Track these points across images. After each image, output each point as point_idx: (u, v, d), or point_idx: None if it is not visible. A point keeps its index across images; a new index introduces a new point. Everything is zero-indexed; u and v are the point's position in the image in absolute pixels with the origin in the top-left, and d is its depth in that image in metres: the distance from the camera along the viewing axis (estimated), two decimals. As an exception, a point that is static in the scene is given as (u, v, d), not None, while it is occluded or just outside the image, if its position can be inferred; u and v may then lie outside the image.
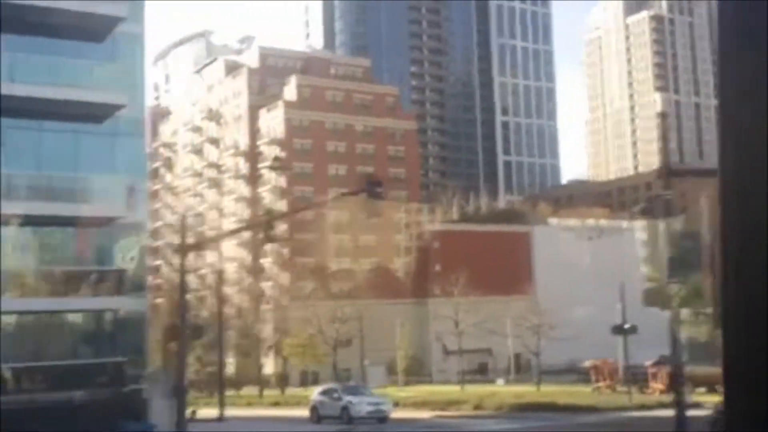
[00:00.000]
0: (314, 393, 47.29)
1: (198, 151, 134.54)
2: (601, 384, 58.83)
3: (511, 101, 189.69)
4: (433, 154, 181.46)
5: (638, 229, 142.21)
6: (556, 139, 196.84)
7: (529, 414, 38.40)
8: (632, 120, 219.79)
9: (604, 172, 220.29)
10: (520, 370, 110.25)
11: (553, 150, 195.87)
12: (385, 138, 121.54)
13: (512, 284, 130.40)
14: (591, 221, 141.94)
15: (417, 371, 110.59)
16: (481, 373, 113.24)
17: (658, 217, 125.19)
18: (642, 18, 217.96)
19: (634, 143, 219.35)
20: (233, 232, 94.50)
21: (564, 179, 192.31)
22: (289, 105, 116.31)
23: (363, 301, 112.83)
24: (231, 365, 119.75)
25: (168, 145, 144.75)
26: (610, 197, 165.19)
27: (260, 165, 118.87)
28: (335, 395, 43.88)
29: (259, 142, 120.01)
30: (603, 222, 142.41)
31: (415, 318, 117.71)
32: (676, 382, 58.35)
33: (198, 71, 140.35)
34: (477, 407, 41.14)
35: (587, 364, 60.70)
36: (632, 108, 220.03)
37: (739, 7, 1.51)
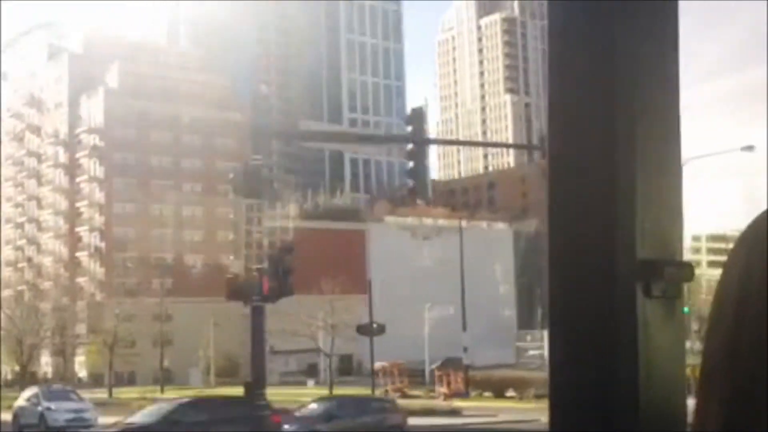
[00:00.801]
0: (20, 398, 42.49)
1: (20, 139, 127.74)
2: (389, 387, 56.50)
3: (359, 98, 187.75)
4: (277, 150, 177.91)
5: (477, 228, 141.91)
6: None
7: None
8: (483, 121, 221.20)
9: (455, 173, 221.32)
10: (352, 371, 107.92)
11: (402, 149, 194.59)
12: (213, 130, 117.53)
13: (343, 282, 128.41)
14: (429, 220, 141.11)
15: (235, 372, 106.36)
16: (310, 373, 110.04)
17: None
18: (494, 20, 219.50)
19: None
20: None
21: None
22: (109, 93, 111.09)
23: (183, 298, 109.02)
24: (47, 365, 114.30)
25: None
26: (454, 197, 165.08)
27: (78, 154, 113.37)
28: (35, 401, 39.56)
29: (78, 131, 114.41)
30: (441, 221, 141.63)
31: (241, 317, 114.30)
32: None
33: (23, 57, 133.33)
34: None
35: (376, 366, 58.32)
36: (483, 109, 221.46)
37: (569, 7, 1.57)
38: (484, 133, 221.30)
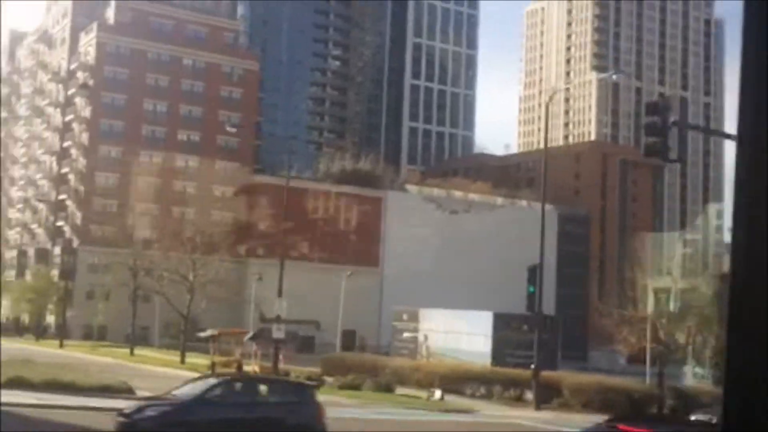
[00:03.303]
0: None
1: (34, 77, 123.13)
2: (216, 359, 46.86)
3: (424, 64, 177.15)
4: (329, 112, 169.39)
5: (514, 207, 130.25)
6: (472, 109, 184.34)
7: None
8: (567, 100, 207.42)
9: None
10: (353, 347, 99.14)
11: (468, 121, 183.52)
12: (219, 77, 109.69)
13: (353, 251, 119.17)
14: (459, 194, 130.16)
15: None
16: (306, 348, 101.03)
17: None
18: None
19: (566, 124, 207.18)
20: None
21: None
22: (103, 29, 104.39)
23: (169, 253, 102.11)
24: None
25: (19, 71, 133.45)
26: (507, 172, 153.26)
27: (70, 92, 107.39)
28: None
29: (72, 67, 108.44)
30: (474, 197, 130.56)
31: (232, 279, 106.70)
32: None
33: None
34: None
35: (207, 333, 48.71)
36: (567, 88, 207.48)
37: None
38: (567, 112, 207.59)
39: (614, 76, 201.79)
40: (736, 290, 1.49)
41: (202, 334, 49.18)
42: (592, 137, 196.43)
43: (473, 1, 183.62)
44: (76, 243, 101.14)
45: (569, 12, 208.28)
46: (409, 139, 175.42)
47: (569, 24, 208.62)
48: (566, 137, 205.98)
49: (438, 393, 38.43)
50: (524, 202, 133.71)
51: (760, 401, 1.44)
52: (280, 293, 47.72)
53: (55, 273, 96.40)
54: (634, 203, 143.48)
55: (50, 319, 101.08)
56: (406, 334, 55.06)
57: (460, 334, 49.86)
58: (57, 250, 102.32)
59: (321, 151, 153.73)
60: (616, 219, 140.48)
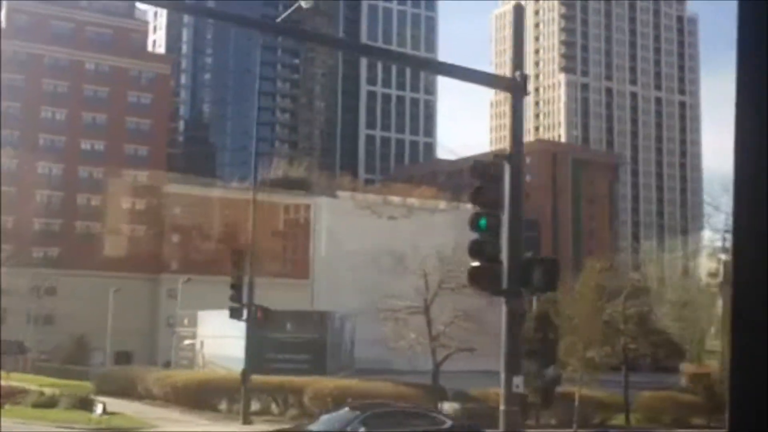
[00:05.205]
0: None
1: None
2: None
3: (381, 69, 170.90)
4: (281, 121, 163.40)
5: (458, 210, 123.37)
6: (433, 115, 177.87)
7: None
8: (536, 103, 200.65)
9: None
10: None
11: (430, 127, 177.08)
12: (126, 81, 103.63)
13: (280, 262, 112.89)
14: (396, 199, 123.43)
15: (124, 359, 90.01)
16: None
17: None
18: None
19: (537, 128, 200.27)
20: None
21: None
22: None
23: (74, 271, 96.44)
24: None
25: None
26: (461, 176, 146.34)
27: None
28: None
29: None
30: (414, 201, 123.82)
31: (144, 296, 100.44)
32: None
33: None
34: None
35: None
36: (537, 90, 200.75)
37: (761, 7, 1.54)
38: (537, 115, 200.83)
39: (582, 77, 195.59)
40: (739, 295, 1.46)
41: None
42: (563, 139, 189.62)
43: (431, 3, 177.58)
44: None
45: (536, 13, 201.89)
46: (367, 147, 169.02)
47: (537, 25, 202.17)
48: (537, 128, 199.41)
49: (100, 407, 32.11)
50: (469, 206, 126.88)
51: (765, 407, 1.42)
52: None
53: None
54: (591, 205, 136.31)
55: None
56: (186, 342, 48.84)
57: (227, 339, 43.62)
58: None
59: (271, 163, 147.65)
60: (569, 222, 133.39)
